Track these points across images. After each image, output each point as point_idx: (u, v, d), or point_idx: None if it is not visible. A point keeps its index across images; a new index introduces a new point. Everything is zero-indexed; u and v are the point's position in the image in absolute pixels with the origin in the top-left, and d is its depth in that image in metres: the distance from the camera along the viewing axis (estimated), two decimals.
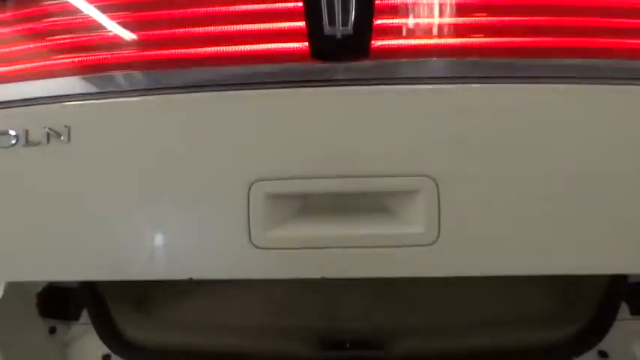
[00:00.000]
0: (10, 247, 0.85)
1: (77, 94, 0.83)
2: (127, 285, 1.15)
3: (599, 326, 1.02)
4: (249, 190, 0.79)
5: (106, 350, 1.10)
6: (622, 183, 0.78)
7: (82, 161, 0.82)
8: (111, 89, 0.82)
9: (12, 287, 0.98)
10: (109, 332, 1.07)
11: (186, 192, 0.83)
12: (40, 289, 1.07)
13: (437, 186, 0.77)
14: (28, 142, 0.81)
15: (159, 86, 0.82)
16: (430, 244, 0.79)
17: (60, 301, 1.08)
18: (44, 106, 0.83)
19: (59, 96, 0.83)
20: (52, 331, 1.10)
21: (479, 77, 0.78)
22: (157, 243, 0.84)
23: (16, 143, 0.81)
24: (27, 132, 0.81)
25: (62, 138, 0.80)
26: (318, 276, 0.84)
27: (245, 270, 0.86)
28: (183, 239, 0.85)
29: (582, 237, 0.80)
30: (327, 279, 0.84)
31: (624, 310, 1.04)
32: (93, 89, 0.83)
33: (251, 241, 0.80)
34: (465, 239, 0.81)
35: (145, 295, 1.24)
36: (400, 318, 1.18)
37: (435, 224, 0.78)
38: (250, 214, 0.79)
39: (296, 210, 0.83)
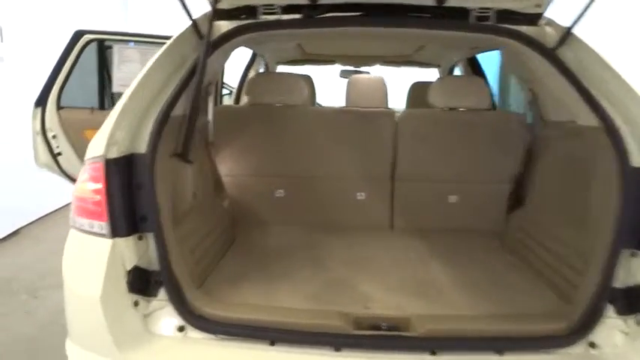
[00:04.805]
0: None
1: None
2: (195, 270, 1.50)
3: (589, 322, 1.28)
4: None
5: (180, 322, 1.31)
6: None
7: None
8: None
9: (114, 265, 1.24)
10: (183, 307, 1.30)
11: None
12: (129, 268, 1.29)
13: None
14: None
15: None
16: None
17: (143, 280, 1.30)
18: None
19: None
20: (136, 304, 1.30)
21: None
22: None
23: None
24: None
25: None
26: None
27: None
28: None
29: None
30: None
31: (610, 309, 1.30)
32: None
33: None
34: None
35: (208, 279, 1.61)
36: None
37: None
38: None
39: None
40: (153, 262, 1.32)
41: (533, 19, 1.61)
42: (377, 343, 1.26)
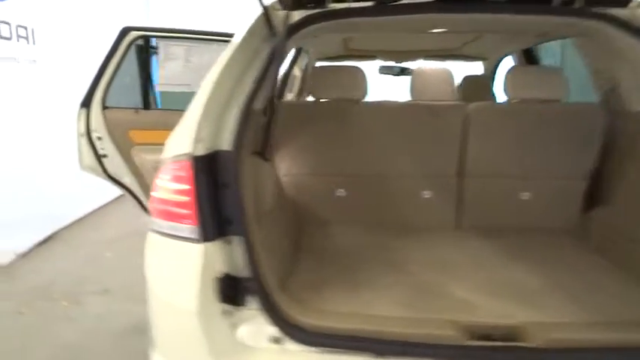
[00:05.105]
0: None
1: None
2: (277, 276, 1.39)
3: None
4: None
5: (275, 333, 1.20)
6: None
7: None
8: None
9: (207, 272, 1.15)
10: (277, 317, 1.20)
11: None
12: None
13: None
14: None
15: None
16: None
17: (232, 288, 1.20)
18: None
19: None
20: (226, 313, 1.21)
21: None
22: None
23: None
24: None
25: None
26: None
27: None
28: None
29: None
30: None
31: None
32: None
33: None
34: None
35: (287, 285, 1.50)
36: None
37: None
38: None
39: None
40: (239, 268, 1.21)
41: (624, 0, 1.50)
42: (497, 355, 1.15)
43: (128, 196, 2.70)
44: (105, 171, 2.54)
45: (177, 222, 1.19)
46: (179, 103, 2.79)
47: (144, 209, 2.63)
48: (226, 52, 1.35)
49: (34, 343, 2.41)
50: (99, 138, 2.48)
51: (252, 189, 1.35)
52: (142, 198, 2.62)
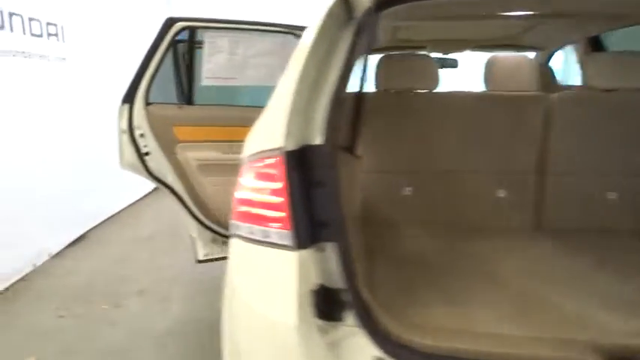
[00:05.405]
0: None
1: None
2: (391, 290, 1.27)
3: None
4: None
5: (378, 353, 1.06)
6: None
7: None
8: None
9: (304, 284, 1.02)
10: (379, 334, 1.05)
11: None
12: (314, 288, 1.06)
13: None
14: None
15: None
16: None
17: (328, 302, 1.06)
18: None
19: None
20: (322, 330, 1.08)
21: None
22: None
23: None
24: None
25: None
26: None
27: None
28: None
29: None
30: None
31: None
32: None
33: None
34: None
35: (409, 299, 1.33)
36: None
37: None
38: None
39: None
40: (333, 279, 1.07)
41: None
42: None
43: (162, 193, 2.59)
44: (147, 169, 2.42)
45: (266, 226, 1.06)
46: (211, 97, 2.70)
47: (187, 209, 2.52)
48: (306, 38, 1.22)
49: (77, 347, 2.32)
50: (141, 135, 2.37)
51: (345, 189, 1.22)
52: (185, 197, 2.50)
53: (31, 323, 2.53)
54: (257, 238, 1.08)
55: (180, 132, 2.43)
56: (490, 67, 2.00)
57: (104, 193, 4.09)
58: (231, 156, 2.53)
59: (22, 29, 3.09)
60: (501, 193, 1.97)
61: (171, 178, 2.47)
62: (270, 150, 1.07)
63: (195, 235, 2.65)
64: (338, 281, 1.07)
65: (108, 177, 3.85)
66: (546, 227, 1.96)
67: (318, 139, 1.09)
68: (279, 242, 1.05)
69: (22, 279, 3.04)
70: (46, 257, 3.36)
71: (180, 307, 2.73)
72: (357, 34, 1.19)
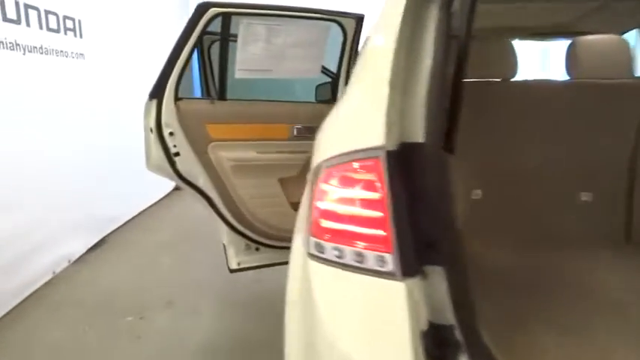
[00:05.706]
0: None
1: None
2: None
3: None
4: None
5: None
6: None
7: None
8: None
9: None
10: None
11: None
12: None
13: None
14: None
15: None
16: None
17: (437, 342, 0.84)
18: None
19: None
20: None
21: None
22: None
23: None
24: None
25: None
26: None
27: None
28: None
29: None
30: None
31: None
32: None
33: None
34: None
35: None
36: None
37: None
38: None
39: None
40: (441, 313, 0.85)
41: None
42: None
43: (181, 195, 2.36)
44: (176, 171, 2.20)
45: (360, 248, 0.83)
46: (236, 91, 2.45)
47: (220, 216, 2.30)
48: (390, 22, 0.98)
49: None
50: (171, 134, 2.15)
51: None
52: (218, 201, 2.28)
53: (51, 340, 2.33)
54: (348, 262, 0.85)
55: (213, 130, 2.21)
56: (574, 52, 1.73)
57: (123, 195, 3.90)
58: (268, 156, 2.31)
59: (37, 23, 2.91)
60: (584, 197, 1.71)
61: (202, 181, 2.25)
62: (364, 150, 0.84)
63: (226, 242, 2.44)
64: (448, 316, 0.84)
65: (126, 178, 3.66)
66: (639, 238, 1.71)
67: (420, 137, 0.86)
68: (380, 269, 0.82)
69: (40, 288, 2.85)
70: (65, 264, 3.18)
71: (211, 323, 2.51)
72: (444, 8, 0.96)
